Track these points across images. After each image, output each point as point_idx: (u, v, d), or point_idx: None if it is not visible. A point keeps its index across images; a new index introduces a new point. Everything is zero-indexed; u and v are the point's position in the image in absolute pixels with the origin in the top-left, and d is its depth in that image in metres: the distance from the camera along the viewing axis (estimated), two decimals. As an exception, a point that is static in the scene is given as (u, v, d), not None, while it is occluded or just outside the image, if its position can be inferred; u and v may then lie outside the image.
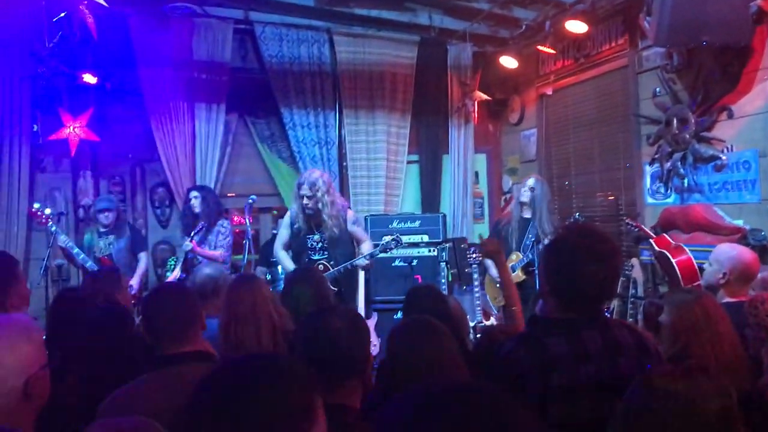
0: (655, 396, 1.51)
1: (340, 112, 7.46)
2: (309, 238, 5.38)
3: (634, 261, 5.54)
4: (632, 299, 5.20)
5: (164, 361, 2.38)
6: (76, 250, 5.86)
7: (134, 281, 5.94)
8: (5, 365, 1.64)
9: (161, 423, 1.63)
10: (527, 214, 5.72)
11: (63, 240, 5.84)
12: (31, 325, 1.78)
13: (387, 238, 5.50)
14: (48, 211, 6.03)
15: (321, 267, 5.29)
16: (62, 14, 5.21)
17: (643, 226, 5.54)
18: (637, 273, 5.46)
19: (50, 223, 5.86)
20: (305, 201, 5.27)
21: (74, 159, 6.89)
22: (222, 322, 3.04)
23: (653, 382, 1.54)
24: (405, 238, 6.76)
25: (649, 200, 5.85)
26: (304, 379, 1.26)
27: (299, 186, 5.34)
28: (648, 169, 5.83)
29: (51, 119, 6.68)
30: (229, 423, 1.16)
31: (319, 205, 5.26)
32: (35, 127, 6.76)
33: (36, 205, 6.13)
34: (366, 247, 5.46)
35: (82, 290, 3.70)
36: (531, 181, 5.76)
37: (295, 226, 5.43)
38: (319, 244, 5.37)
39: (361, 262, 5.35)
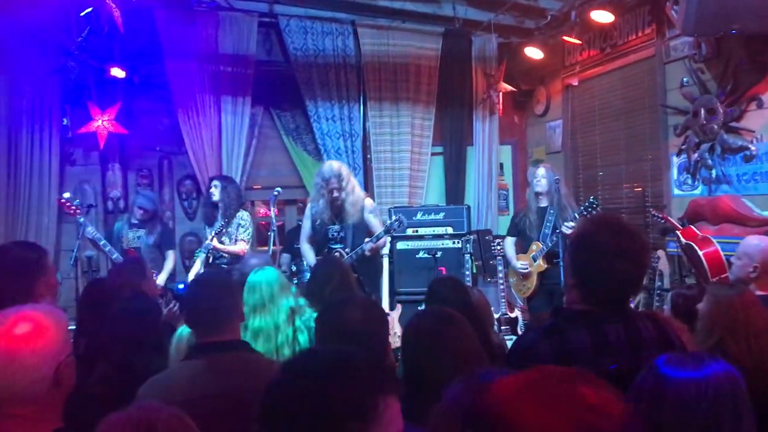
0: (663, 381, 1.50)
1: (365, 105, 7.47)
2: (330, 228, 5.47)
3: (661, 253, 5.48)
4: (658, 291, 5.15)
5: (201, 350, 2.42)
6: (103, 241, 5.94)
7: (161, 279, 6.00)
8: (37, 353, 1.68)
9: (196, 409, 1.66)
10: (544, 203, 5.71)
11: (90, 231, 5.93)
12: (58, 314, 1.82)
13: (390, 220, 5.55)
14: (77, 201, 6.13)
15: (337, 255, 5.39)
16: (90, 9, 5.28)
17: (669, 218, 5.49)
18: (664, 265, 5.40)
19: (79, 214, 5.95)
20: (335, 194, 5.35)
21: (103, 152, 7.01)
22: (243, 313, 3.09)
23: (662, 368, 1.53)
24: (429, 230, 6.78)
25: (676, 191, 5.78)
26: (364, 379, 1.27)
27: (328, 181, 5.39)
28: (675, 160, 5.76)
29: (80, 113, 6.80)
30: (279, 416, 1.23)
31: (343, 195, 5.39)
32: (65, 121, 6.89)
33: (66, 195, 6.23)
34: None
35: (109, 281, 3.77)
36: (542, 171, 5.75)
37: (317, 222, 5.50)
38: (339, 234, 5.45)
39: (366, 246, 5.36)
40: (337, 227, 5.48)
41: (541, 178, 5.71)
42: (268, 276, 3.27)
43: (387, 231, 5.50)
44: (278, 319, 3.12)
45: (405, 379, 2.15)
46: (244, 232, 6.14)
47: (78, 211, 5.96)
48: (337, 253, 5.38)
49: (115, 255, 5.90)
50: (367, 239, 5.40)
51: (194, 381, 2.31)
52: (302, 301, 3.32)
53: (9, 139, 6.59)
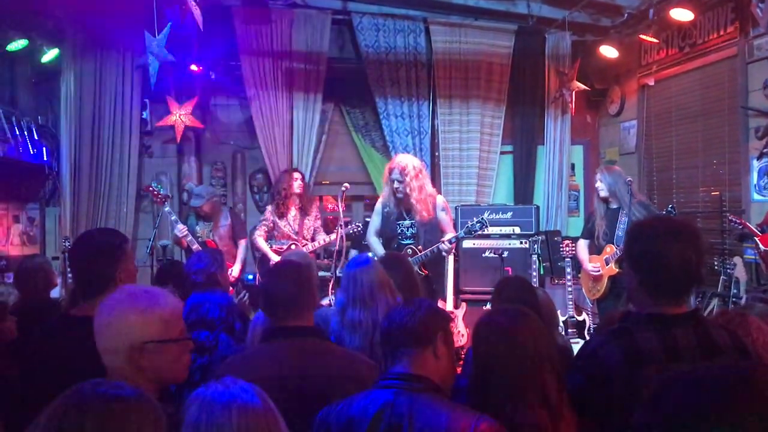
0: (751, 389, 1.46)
1: (434, 102, 7.46)
2: (399, 224, 5.46)
3: (737, 260, 5.30)
4: (734, 299, 4.99)
5: (279, 333, 2.50)
6: (190, 238, 6.05)
7: (235, 270, 6.20)
8: (111, 328, 1.83)
9: (272, 389, 1.72)
10: (614, 205, 5.57)
11: (179, 230, 6.05)
12: (146, 298, 1.91)
13: (472, 221, 5.45)
14: (162, 190, 6.36)
15: (410, 251, 5.37)
16: (171, 6, 5.46)
17: (748, 224, 5.30)
18: (740, 272, 5.22)
19: (165, 204, 6.16)
20: (395, 185, 5.36)
21: (180, 145, 7.24)
22: (339, 302, 3.11)
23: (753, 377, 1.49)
24: (496, 230, 6.72)
25: (756, 197, 5.58)
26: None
27: (390, 171, 5.43)
28: (755, 164, 5.56)
29: (159, 107, 7.04)
30: None
31: (407, 190, 5.32)
32: (144, 114, 7.14)
33: (153, 184, 6.46)
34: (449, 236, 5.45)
35: (187, 265, 3.95)
36: (598, 175, 5.67)
37: (386, 210, 5.52)
38: (409, 230, 5.44)
39: (445, 246, 5.30)
40: (407, 223, 5.45)
41: (599, 182, 5.62)
42: (369, 269, 3.16)
43: (468, 232, 5.44)
44: (378, 316, 2.94)
45: (474, 376, 2.16)
46: (319, 224, 6.45)
47: (164, 199, 6.18)
48: (409, 250, 5.38)
49: (195, 245, 6.02)
50: (444, 238, 5.34)
51: (273, 362, 2.41)
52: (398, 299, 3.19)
53: (92, 130, 6.89)
